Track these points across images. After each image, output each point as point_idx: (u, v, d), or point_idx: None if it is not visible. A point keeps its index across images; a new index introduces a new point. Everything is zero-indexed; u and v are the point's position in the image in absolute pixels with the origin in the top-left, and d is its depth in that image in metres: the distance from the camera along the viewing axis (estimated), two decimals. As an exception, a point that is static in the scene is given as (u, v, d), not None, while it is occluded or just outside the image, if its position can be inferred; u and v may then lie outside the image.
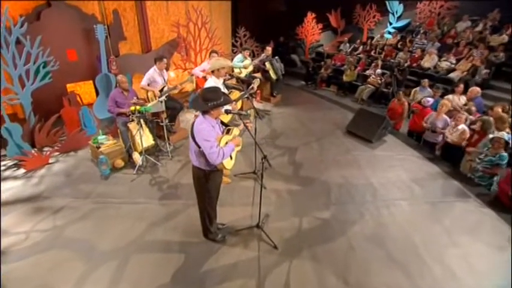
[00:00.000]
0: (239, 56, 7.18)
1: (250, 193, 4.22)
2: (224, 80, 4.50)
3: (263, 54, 7.46)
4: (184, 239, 3.41)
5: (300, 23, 12.32)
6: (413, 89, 7.14)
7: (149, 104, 4.97)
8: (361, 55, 10.40)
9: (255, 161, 4.60)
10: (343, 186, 4.47)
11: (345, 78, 9.23)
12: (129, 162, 4.97)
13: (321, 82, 9.93)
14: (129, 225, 3.61)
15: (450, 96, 6.15)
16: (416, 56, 8.94)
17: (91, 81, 6.66)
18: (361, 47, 11.01)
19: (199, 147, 2.75)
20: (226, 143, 2.86)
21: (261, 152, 3.18)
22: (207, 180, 2.96)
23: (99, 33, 6.02)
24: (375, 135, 5.88)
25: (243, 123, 3.00)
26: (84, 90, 6.97)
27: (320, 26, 12.12)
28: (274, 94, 8.24)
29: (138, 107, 4.71)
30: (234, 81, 6.08)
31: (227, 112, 2.99)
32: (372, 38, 11.27)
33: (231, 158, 3.00)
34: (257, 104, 7.95)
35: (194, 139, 2.76)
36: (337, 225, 3.70)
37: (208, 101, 2.69)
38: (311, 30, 12.27)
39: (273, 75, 7.80)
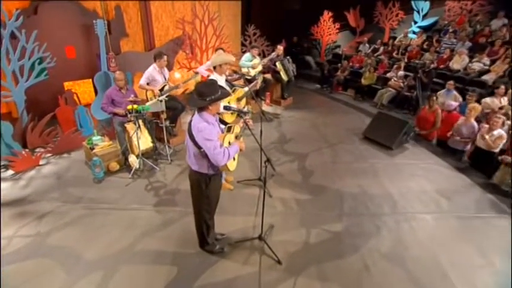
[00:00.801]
0: (247, 55, 7.16)
1: (254, 202, 4.12)
2: (227, 78, 4.41)
3: (273, 54, 7.43)
4: (179, 250, 3.30)
5: (316, 22, 12.31)
6: (438, 92, 6.91)
7: (148, 103, 4.92)
8: (381, 56, 10.31)
9: (261, 166, 4.48)
10: (357, 197, 4.32)
11: (363, 81, 9.15)
12: (125, 166, 4.95)
13: (337, 85, 9.89)
14: (118, 233, 3.54)
15: (488, 99, 5.90)
16: (445, 56, 8.71)
17: (90, 80, 6.73)
18: (382, 47, 10.92)
19: (199, 148, 2.64)
20: (230, 142, 2.76)
21: (265, 155, 3.03)
22: (207, 186, 2.86)
23: (99, 28, 6.08)
24: (395, 142, 5.72)
25: (243, 120, 2.89)
26: (83, 89, 7.05)
27: (337, 25, 12.10)
28: (285, 96, 8.21)
29: (135, 106, 4.66)
30: (242, 81, 6.01)
31: (226, 108, 2.89)
32: (394, 38, 11.17)
33: (234, 158, 2.89)
34: (266, 107, 7.93)
35: (193, 140, 2.66)
36: (349, 240, 3.53)
37: (204, 96, 2.59)
38: (327, 30, 12.28)
39: (284, 76, 7.77)
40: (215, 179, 2.88)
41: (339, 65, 10.48)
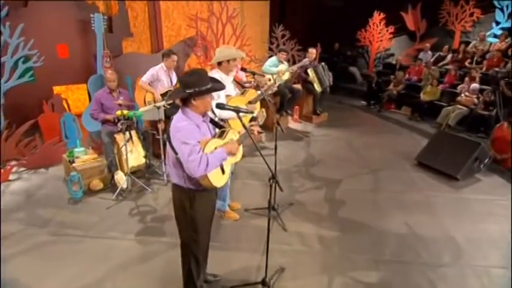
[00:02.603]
0: (273, 59, 7.24)
1: (263, 236, 3.88)
2: (235, 77, 4.39)
3: (305, 59, 7.47)
4: (158, 291, 3.19)
5: (363, 26, 12.30)
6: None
7: (142, 109, 4.98)
8: (449, 66, 10.12)
9: (275, 192, 4.29)
10: (404, 238, 4.07)
11: (423, 96, 9.06)
12: (111, 185, 5.01)
13: (388, 102, 9.84)
14: (86, 266, 3.49)
15: None
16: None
17: (85, 86, 7.00)
18: (450, 55, 10.73)
19: (176, 153, 2.55)
20: (216, 148, 2.61)
21: (270, 172, 2.87)
22: (191, 206, 2.72)
23: (96, 24, 6.40)
24: (461, 170, 5.47)
25: (243, 124, 2.76)
26: (76, 95, 7.36)
27: (391, 29, 12.08)
28: (318, 112, 8.23)
29: (125, 112, 4.72)
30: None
31: (220, 107, 2.78)
32: (467, 43, 10.92)
33: (223, 171, 2.72)
34: (294, 124, 7.94)
35: (171, 143, 2.58)
36: (390, 295, 3.26)
37: (188, 87, 2.51)
38: (378, 35, 12.29)
39: (317, 87, 7.82)
40: (203, 197, 2.73)
41: (392, 77, 10.43)
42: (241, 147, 2.90)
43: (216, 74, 4.01)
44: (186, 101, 2.58)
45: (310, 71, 7.65)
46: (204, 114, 2.68)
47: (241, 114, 2.83)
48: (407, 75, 10.41)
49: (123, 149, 4.84)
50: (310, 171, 5.68)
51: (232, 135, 2.82)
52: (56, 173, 5.38)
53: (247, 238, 3.94)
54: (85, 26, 6.87)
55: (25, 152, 5.55)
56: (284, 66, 7.14)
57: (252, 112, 2.97)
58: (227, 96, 3.90)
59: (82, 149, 5.16)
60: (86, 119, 6.53)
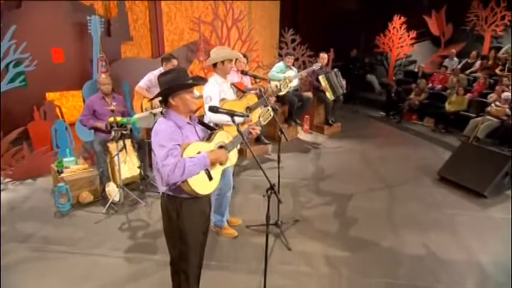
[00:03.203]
0: (280, 65, 7.27)
1: (263, 255, 3.84)
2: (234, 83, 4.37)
3: (315, 64, 7.42)
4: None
5: (382, 31, 12.29)
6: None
7: (136, 116, 4.99)
8: (477, 74, 10.08)
9: (278, 207, 4.29)
10: (422, 261, 3.96)
11: (448, 106, 9.01)
12: (102, 197, 5.04)
13: (409, 112, 9.81)
14: (68, 285, 3.46)
15: None
16: None
17: (81, 92, 7.06)
18: (479, 62, 10.70)
19: None
20: (199, 153, 2.56)
21: (268, 182, 2.81)
22: (178, 215, 2.67)
23: (93, 26, 6.49)
24: (489, 186, 5.35)
25: (238, 130, 2.72)
26: (71, 103, 7.44)
27: (413, 33, 12.08)
28: (331, 122, 8.22)
29: (119, 118, 4.73)
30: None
31: (213, 110, 2.74)
32: (498, 49, 10.86)
33: (210, 178, 2.65)
34: (304, 135, 7.96)
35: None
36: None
37: (161, 86, 2.59)
38: (398, 41, 12.32)
39: (329, 95, 7.85)
40: (191, 206, 2.67)
41: (413, 85, 10.41)
42: (235, 151, 2.85)
43: (212, 79, 4.00)
44: (166, 102, 2.60)
45: (321, 78, 7.67)
46: (190, 116, 2.67)
47: (237, 118, 2.79)
48: (430, 84, 10.36)
49: (116, 158, 4.85)
50: (319, 186, 5.65)
51: (222, 137, 2.77)
52: (44, 184, 5.42)
53: (246, 257, 3.88)
54: (82, 29, 6.97)
55: (11, 161, 5.60)
56: (292, 72, 7.15)
57: (248, 116, 2.91)
58: (222, 100, 3.85)
59: (72, 158, 5.17)
60: (80, 127, 6.58)
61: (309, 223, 4.58)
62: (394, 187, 5.71)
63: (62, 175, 4.85)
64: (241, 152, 6.49)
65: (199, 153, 2.52)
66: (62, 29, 6.97)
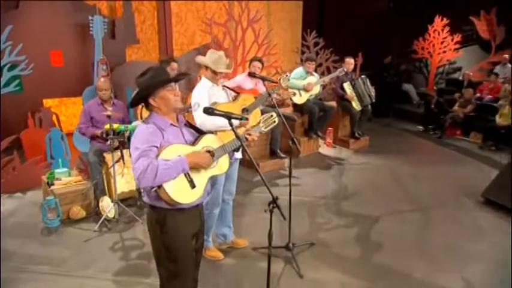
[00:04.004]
0: (299, 70, 7.25)
1: (272, 282, 3.70)
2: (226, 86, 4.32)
3: (339, 69, 7.41)
4: None
5: (421, 34, 12.12)
6: None
7: (135, 122, 4.99)
8: None
9: (289, 227, 4.24)
10: None
11: (499, 120, 8.83)
12: (95, 213, 5.03)
13: (452, 127, 9.60)
14: None
15: None
16: None
17: (82, 99, 7.18)
18: None
19: None
20: (180, 156, 2.54)
21: (270, 194, 2.73)
22: (162, 229, 2.63)
23: (95, 27, 6.63)
24: None
25: (236, 134, 2.68)
26: (71, 110, 7.57)
27: (457, 37, 11.90)
28: (357, 135, 8.09)
29: (115, 125, 4.72)
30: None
31: (207, 112, 2.70)
32: None
33: (193, 185, 2.58)
34: (327, 149, 7.85)
35: None
36: None
37: (139, 87, 2.63)
38: (440, 45, 12.14)
39: (355, 105, 7.77)
40: (175, 218, 2.61)
41: (457, 95, 10.19)
42: (226, 159, 2.79)
43: (200, 83, 3.97)
44: (147, 105, 2.63)
45: (346, 86, 7.61)
46: (177, 118, 2.68)
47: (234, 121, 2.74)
48: (478, 94, 10.12)
49: (112, 170, 4.84)
50: (340, 206, 5.60)
51: (209, 141, 2.72)
52: (33, 198, 5.46)
53: (251, 284, 3.83)
54: (83, 30, 7.13)
55: (2, 173, 5.63)
56: (313, 78, 7.14)
57: (247, 118, 2.84)
58: (213, 104, 3.80)
59: (65, 169, 5.21)
60: (78, 136, 6.64)
61: (325, 247, 4.51)
62: (428, 209, 5.59)
63: (52, 187, 4.87)
64: (249, 165, 6.45)
65: (179, 156, 2.50)
66: (62, 30, 7.15)
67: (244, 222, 4.85)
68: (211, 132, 2.93)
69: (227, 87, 4.16)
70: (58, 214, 4.68)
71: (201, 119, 3.62)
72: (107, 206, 4.84)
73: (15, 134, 5.90)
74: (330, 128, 7.86)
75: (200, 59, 3.92)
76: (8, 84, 5.81)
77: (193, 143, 2.68)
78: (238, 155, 3.90)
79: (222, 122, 2.78)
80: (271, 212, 2.72)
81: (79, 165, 6.13)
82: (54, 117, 6.65)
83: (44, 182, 5.16)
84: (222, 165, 2.75)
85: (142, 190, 2.68)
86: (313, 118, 7.12)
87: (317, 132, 7.47)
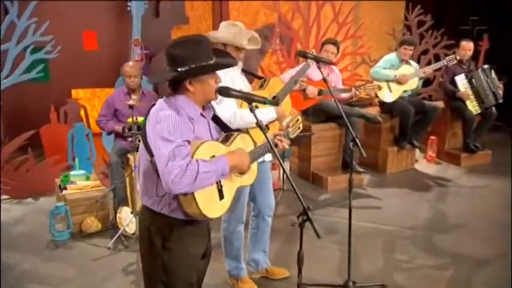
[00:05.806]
0: (390, 57, 7.16)
1: None
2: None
3: (449, 57, 7.11)
4: None
5: None
6: None
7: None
8: None
9: (349, 261, 4.09)
10: None
11: None
12: (112, 226, 5.16)
13: None
14: None
15: None
16: None
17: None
18: None
19: (152, 156, 2.49)
20: (214, 157, 2.48)
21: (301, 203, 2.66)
22: (165, 244, 2.59)
23: (135, 4, 6.88)
24: None
25: (264, 134, 2.63)
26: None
27: None
28: (472, 147, 7.71)
29: (140, 119, 4.80)
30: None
31: (223, 92, 2.66)
32: None
33: (222, 195, 2.57)
34: (427, 165, 7.71)
35: (146, 140, 2.53)
36: None
37: (178, 64, 2.48)
38: None
39: (471, 107, 7.48)
40: (185, 232, 2.60)
41: None
42: (255, 166, 2.77)
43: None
44: (177, 86, 2.56)
45: (459, 80, 7.29)
46: (204, 106, 2.65)
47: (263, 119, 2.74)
48: None
49: (135, 174, 4.92)
50: (433, 240, 5.36)
51: (244, 143, 2.73)
52: (45, 204, 5.66)
53: None
54: (122, 8, 7.44)
55: (14, 175, 5.92)
56: (410, 68, 6.94)
57: (271, 102, 2.74)
58: None
59: (82, 172, 5.38)
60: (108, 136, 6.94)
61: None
62: None
63: (64, 192, 5.06)
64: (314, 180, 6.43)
65: (213, 157, 2.49)
66: (96, 8, 7.46)
67: (294, 249, 4.74)
68: (241, 130, 2.91)
69: (246, 71, 4.10)
70: (68, 225, 4.83)
71: (229, 114, 3.56)
72: (126, 218, 4.91)
73: (33, 129, 6.09)
74: (432, 137, 7.57)
75: (216, 34, 3.87)
76: (30, 70, 5.98)
77: (224, 141, 2.68)
78: (268, 156, 3.79)
79: (253, 117, 2.74)
80: (300, 225, 2.68)
81: (104, 170, 6.36)
82: (82, 112, 6.96)
83: (56, 186, 5.38)
84: (251, 173, 2.76)
85: (143, 189, 2.66)
86: (407, 122, 6.85)
87: (412, 141, 7.20)
